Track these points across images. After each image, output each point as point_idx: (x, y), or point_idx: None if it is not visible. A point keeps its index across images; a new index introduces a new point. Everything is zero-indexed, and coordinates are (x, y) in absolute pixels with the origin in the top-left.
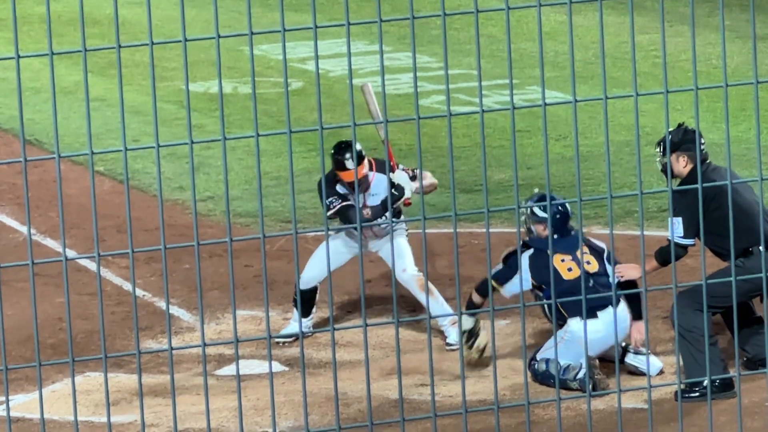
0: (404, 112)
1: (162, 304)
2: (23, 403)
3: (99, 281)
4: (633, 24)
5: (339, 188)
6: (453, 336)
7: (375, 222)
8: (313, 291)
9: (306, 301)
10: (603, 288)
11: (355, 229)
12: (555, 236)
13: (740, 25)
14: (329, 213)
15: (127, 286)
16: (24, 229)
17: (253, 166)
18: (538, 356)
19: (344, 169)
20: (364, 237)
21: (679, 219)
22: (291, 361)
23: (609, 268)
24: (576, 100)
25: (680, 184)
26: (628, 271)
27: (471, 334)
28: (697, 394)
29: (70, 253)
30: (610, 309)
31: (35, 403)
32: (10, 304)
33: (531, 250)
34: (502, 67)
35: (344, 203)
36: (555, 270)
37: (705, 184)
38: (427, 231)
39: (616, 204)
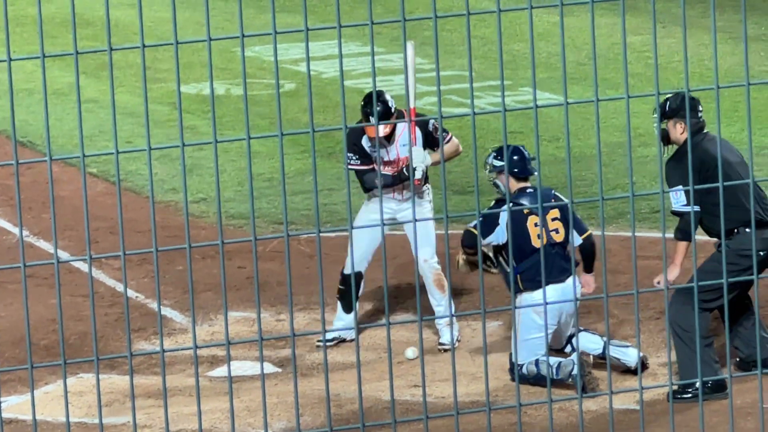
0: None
1: (155, 306)
2: (16, 405)
3: (91, 283)
4: (624, 25)
5: (364, 142)
6: (446, 336)
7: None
8: (358, 277)
9: (350, 291)
10: (563, 260)
11: (375, 190)
12: (528, 189)
13: (733, 26)
14: (347, 168)
15: (121, 287)
16: (17, 230)
17: (245, 168)
18: (520, 360)
19: (368, 122)
20: (391, 203)
21: (680, 188)
22: (283, 362)
23: (572, 232)
24: (567, 103)
25: (676, 152)
26: (669, 276)
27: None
28: (689, 395)
29: (63, 255)
30: (567, 280)
31: (28, 404)
32: (3, 306)
33: (504, 212)
34: (495, 69)
35: (362, 167)
36: (528, 234)
37: (708, 184)
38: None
39: (609, 205)
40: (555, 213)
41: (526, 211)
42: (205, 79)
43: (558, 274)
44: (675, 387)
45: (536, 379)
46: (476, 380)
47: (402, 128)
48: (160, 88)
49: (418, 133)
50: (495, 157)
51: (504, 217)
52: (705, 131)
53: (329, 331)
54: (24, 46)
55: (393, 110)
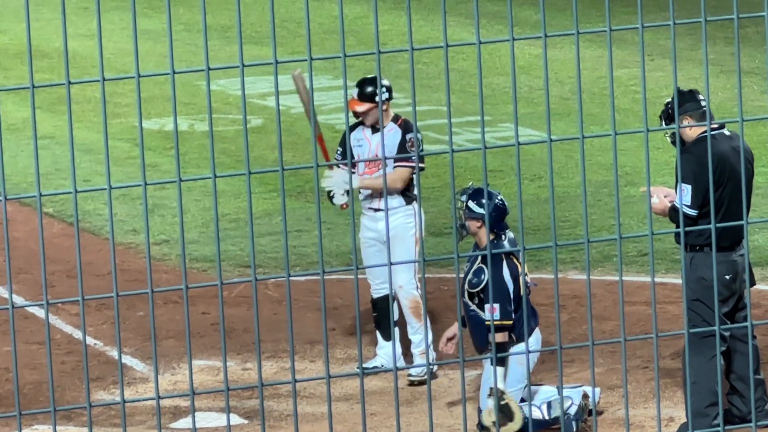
0: None
1: (114, 353)
2: None
3: (47, 329)
4: (611, 58)
5: (355, 134)
6: (416, 369)
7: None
8: (385, 300)
9: (382, 314)
10: (533, 306)
11: (367, 208)
12: (502, 238)
13: (725, 59)
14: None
15: (78, 334)
16: None
17: (210, 208)
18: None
19: (352, 96)
20: (372, 214)
21: (689, 186)
22: (250, 413)
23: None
24: (551, 140)
25: (684, 150)
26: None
27: (505, 412)
28: None
29: (18, 300)
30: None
31: None
32: None
33: (503, 263)
34: (474, 103)
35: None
36: (519, 286)
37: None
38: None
39: (594, 248)
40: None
41: (517, 262)
42: (168, 114)
43: (537, 321)
44: None
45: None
46: None
47: (387, 130)
48: (120, 124)
49: (391, 141)
50: (474, 202)
51: (506, 273)
52: (720, 129)
53: (367, 370)
54: None
55: (387, 97)
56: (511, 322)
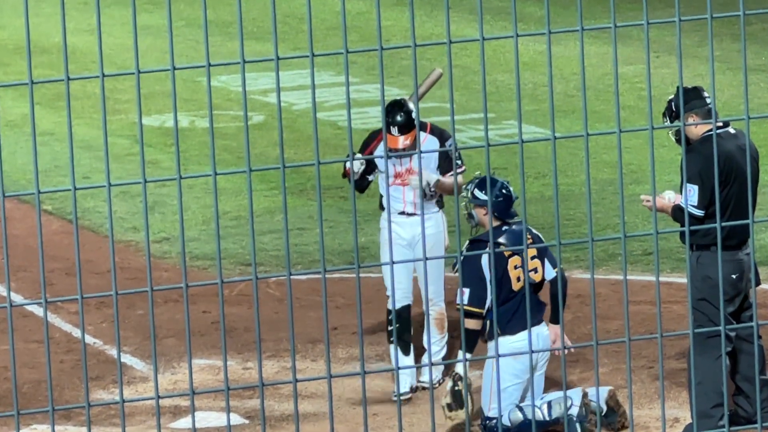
0: None
1: (114, 352)
2: None
3: (46, 328)
4: (616, 54)
5: (381, 148)
6: (426, 375)
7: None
8: (407, 310)
9: (402, 325)
10: (537, 302)
11: (398, 213)
12: (503, 228)
13: (731, 55)
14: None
15: (77, 332)
16: None
17: (211, 205)
18: (493, 413)
19: (389, 132)
20: (403, 219)
21: (696, 187)
22: (251, 413)
23: (548, 266)
24: (555, 137)
25: (689, 149)
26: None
27: (456, 399)
28: None
29: (16, 298)
30: (542, 323)
31: None
32: None
33: (486, 254)
34: (477, 100)
35: (361, 173)
36: (507, 278)
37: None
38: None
39: (599, 247)
40: (532, 251)
41: (507, 253)
42: (169, 111)
43: (533, 317)
44: None
45: (520, 427)
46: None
47: (422, 141)
48: (120, 120)
49: (432, 146)
50: (479, 189)
51: (485, 260)
52: (725, 127)
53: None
54: None
55: (414, 124)
56: (480, 311)
